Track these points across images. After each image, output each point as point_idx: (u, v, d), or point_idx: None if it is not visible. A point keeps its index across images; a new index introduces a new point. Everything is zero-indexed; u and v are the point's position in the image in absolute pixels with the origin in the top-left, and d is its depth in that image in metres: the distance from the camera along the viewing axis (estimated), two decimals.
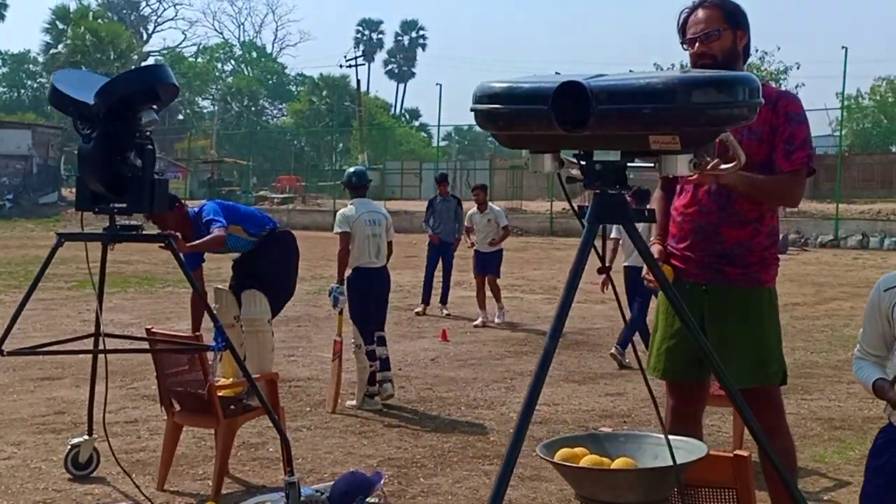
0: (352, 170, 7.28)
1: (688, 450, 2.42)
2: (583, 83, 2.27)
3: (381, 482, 4.48)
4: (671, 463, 2.32)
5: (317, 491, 4.37)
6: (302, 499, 4.26)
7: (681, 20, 3.32)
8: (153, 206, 4.29)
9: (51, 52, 54.15)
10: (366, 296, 6.61)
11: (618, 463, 2.36)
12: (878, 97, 47.03)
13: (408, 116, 70.71)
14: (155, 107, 4.24)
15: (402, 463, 5.14)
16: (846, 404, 6.74)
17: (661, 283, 2.50)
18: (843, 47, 26.26)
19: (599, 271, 2.44)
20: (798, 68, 44.27)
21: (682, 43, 3.33)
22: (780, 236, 3.72)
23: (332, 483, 4.42)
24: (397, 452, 5.36)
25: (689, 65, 3.39)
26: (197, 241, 5.43)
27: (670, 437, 2.39)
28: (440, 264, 11.80)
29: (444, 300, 11.65)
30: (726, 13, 3.25)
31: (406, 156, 49.96)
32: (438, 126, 40.12)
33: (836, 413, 6.47)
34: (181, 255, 4.39)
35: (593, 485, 2.35)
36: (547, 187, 33.50)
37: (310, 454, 5.28)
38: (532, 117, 2.35)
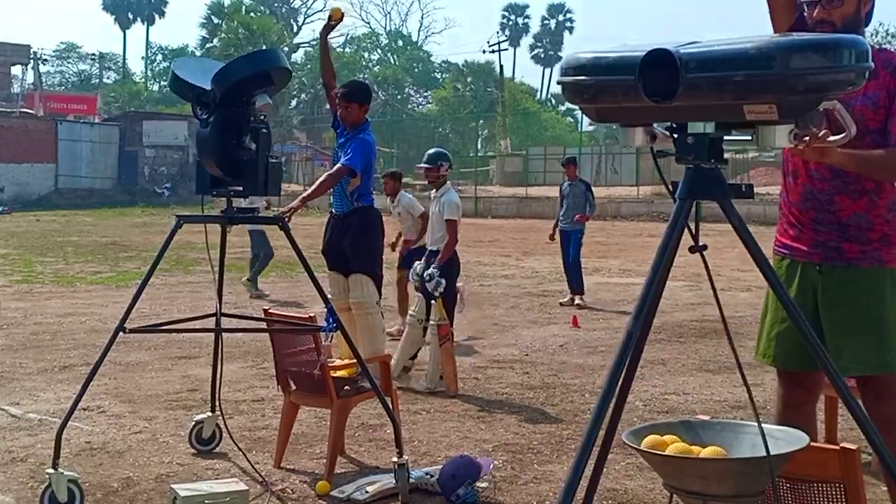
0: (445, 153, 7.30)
1: (787, 440, 2.27)
2: (671, 50, 2.14)
3: (491, 466, 4.44)
4: (774, 453, 2.18)
5: (427, 474, 4.37)
6: (411, 481, 4.27)
7: None
8: (267, 188, 4.36)
9: (206, 46, 56.56)
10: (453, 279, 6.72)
11: (707, 452, 2.24)
12: None
13: (553, 101, 70.19)
14: (268, 91, 4.31)
15: (517, 448, 5.07)
16: None
17: (759, 264, 2.33)
18: None
19: (692, 250, 2.29)
20: None
21: (803, 2, 3.11)
22: None
23: (442, 466, 4.42)
24: (514, 438, 5.29)
25: None
26: (312, 188, 5.50)
27: (773, 426, 2.25)
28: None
29: (575, 288, 11.15)
30: None
31: (552, 141, 49.59)
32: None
33: None
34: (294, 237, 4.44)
35: (680, 474, 2.24)
36: None
37: (426, 437, 5.28)
38: (619, 89, 2.24)
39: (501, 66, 48.28)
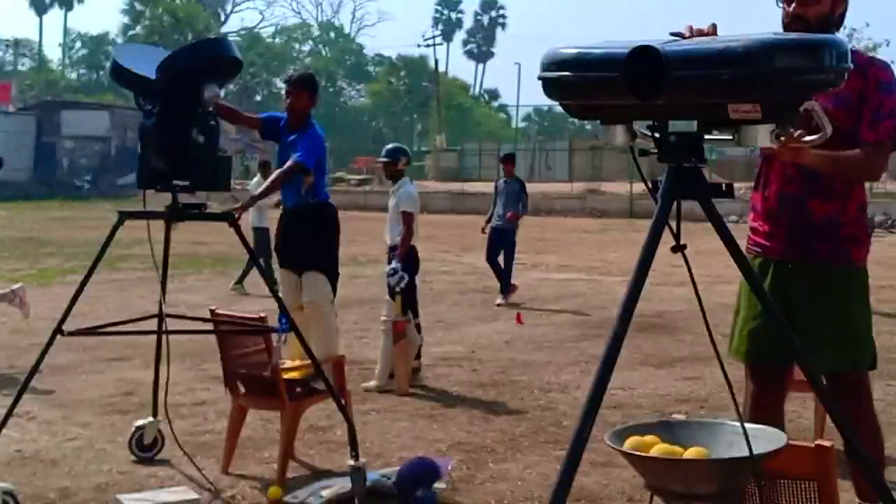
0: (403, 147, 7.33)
1: (766, 439, 2.26)
2: (657, 47, 2.10)
3: (449, 467, 4.39)
4: (747, 453, 2.16)
5: (383, 476, 4.30)
6: (368, 484, 4.19)
7: None
8: (216, 183, 4.23)
9: (129, 33, 55.29)
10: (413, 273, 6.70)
11: (690, 452, 2.21)
12: None
13: (487, 97, 70.44)
14: (217, 81, 4.17)
15: (471, 448, 5.03)
16: None
17: (738, 262, 2.32)
18: None
19: (674, 250, 2.26)
20: (888, 45, 42.96)
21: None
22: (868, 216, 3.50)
23: (398, 468, 4.35)
24: (467, 437, 5.25)
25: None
26: (263, 186, 5.33)
27: (748, 425, 2.23)
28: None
29: (506, 288, 10.87)
30: None
31: (485, 137, 49.79)
32: (517, 106, 40.00)
33: None
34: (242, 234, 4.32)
35: (664, 475, 2.21)
36: (627, 168, 33.01)
37: (378, 438, 5.20)
38: (603, 85, 2.19)
39: (436, 61, 48.41)
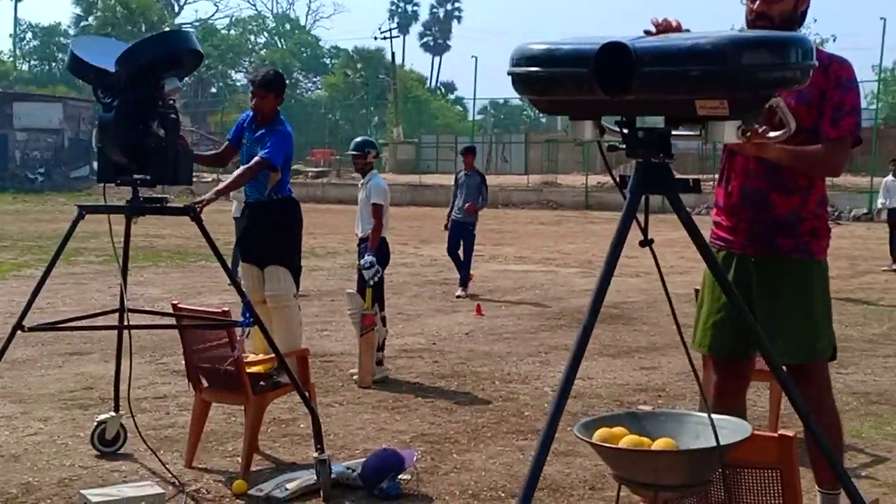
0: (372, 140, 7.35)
1: (731, 429, 2.30)
2: (626, 44, 2.13)
3: (414, 458, 4.40)
4: (714, 443, 2.21)
5: (348, 468, 4.31)
6: (333, 476, 4.19)
7: None
8: (177, 177, 4.19)
9: (81, 24, 54.38)
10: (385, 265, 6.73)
11: (658, 444, 2.25)
12: (856, 78, 46.34)
13: (443, 90, 70.36)
14: (178, 74, 4.13)
15: (434, 439, 5.05)
16: (882, 378, 6.59)
17: (704, 256, 2.36)
18: (881, 18, 25.74)
19: (641, 244, 2.30)
20: (834, 41, 43.74)
21: None
22: None
23: (363, 460, 4.36)
24: (430, 428, 5.27)
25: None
26: (228, 181, 5.30)
27: (717, 416, 2.28)
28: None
29: (464, 280, 10.86)
30: None
31: (441, 130, 49.75)
32: (474, 99, 40.00)
33: (872, 387, 6.32)
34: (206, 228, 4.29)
35: (633, 466, 2.25)
36: (582, 161, 33.22)
37: (341, 430, 5.20)
38: (572, 81, 2.22)
39: (393, 54, 48.21)
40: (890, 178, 14.00)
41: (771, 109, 2.37)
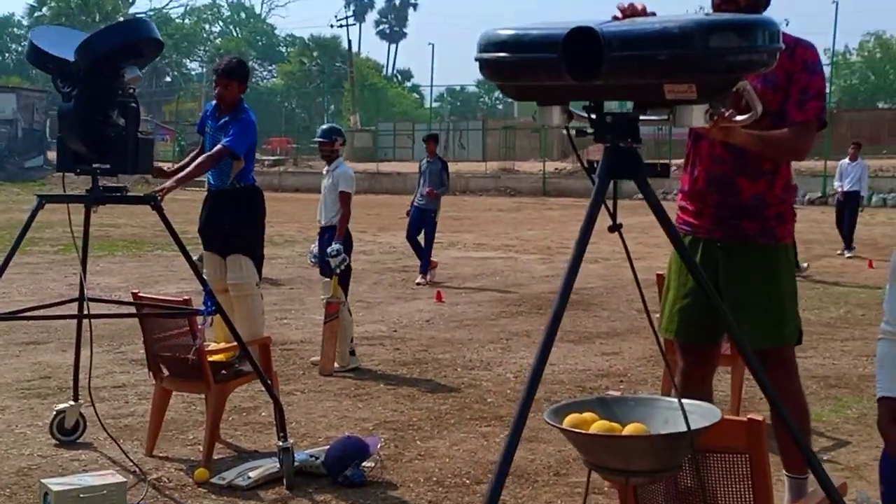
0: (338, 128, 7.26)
1: (701, 414, 2.31)
2: (595, 28, 2.12)
3: (378, 445, 4.39)
4: (684, 428, 2.22)
5: (311, 456, 4.29)
6: (296, 464, 4.17)
7: None
8: (137, 166, 4.14)
9: (35, 14, 53.43)
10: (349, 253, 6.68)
11: (629, 429, 2.25)
12: (866, 53, 46.81)
13: (400, 77, 70.12)
14: (138, 63, 4.08)
15: (398, 426, 5.04)
16: (840, 362, 6.68)
17: (673, 241, 2.37)
18: (833, 2, 26.06)
19: (611, 230, 2.30)
20: (787, 24, 44.24)
21: None
22: None
23: (326, 448, 4.34)
24: (393, 415, 5.26)
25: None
26: (189, 169, 5.21)
27: (686, 401, 2.28)
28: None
29: (425, 266, 10.85)
30: None
31: (398, 117, 49.60)
32: (431, 87, 39.87)
33: (830, 371, 6.40)
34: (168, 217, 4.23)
35: (604, 452, 2.24)
36: (539, 147, 33.32)
37: (303, 418, 5.18)
38: (540, 67, 2.20)
39: (350, 41, 47.90)
40: (846, 161, 14.14)
41: (737, 94, 2.38)
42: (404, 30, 74.68)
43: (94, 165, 4.14)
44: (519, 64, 2.24)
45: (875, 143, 32.75)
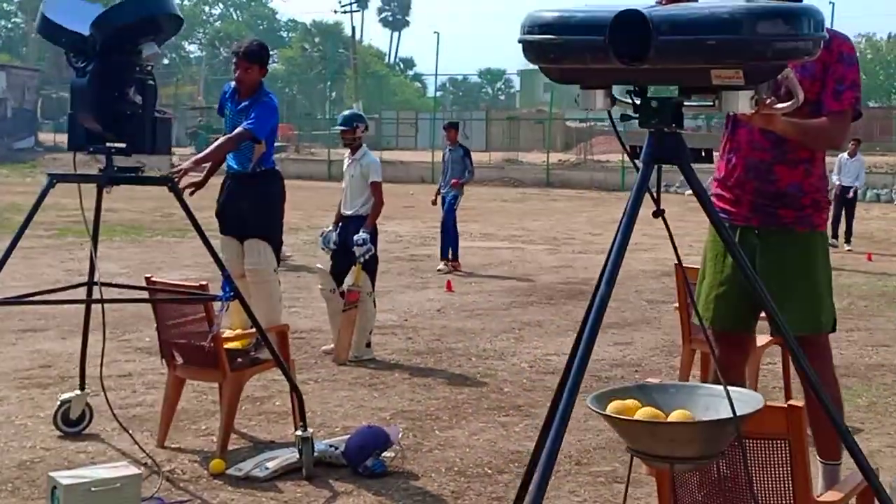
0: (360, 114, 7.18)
1: (744, 401, 2.29)
2: (643, 12, 2.09)
3: (399, 435, 4.35)
4: (726, 414, 2.19)
5: (331, 446, 4.24)
6: (315, 454, 4.13)
7: None
8: (155, 146, 4.07)
9: None
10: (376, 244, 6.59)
11: (675, 416, 2.23)
12: (857, 54, 47.97)
13: (402, 66, 69.95)
14: (156, 39, 4.01)
15: (416, 416, 5.00)
16: (847, 352, 6.65)
17: (717, 228, 2.33)
18: (830, 2, 25.99)
19: (655, 215, 2.26)
20: None
21: None
22: None
23: (345, 437, 4.30)
24: (410, 405, 5.22)
25: None
26: (209, 150, 5.17)
27: (729, 388, 2.25)
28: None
29: (448, 254, 10.94)
30: None
31: (400, 106, 49.48)
32: (436, 75, 39.56)
33: (839, 361, 6.30)
34: (185, 198, 4.18)
35: (649, 438, 2.22)
36: (543, 138, 33.24)
37: (319, 408, 5.13)
38: (587, 49, 2.18)
39: (353, 28, 47.68)
40: (845, 156, 14.15)
41: (776, 81, 2.36)
42: (407, 18, 74.50)
43: (109, 144, 4.03)
44: (565, 46, 2.21)
45: (868, 140, 32.96)
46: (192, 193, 5.07)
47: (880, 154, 28.62)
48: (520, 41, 2.27)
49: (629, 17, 2.10)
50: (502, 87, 71.76)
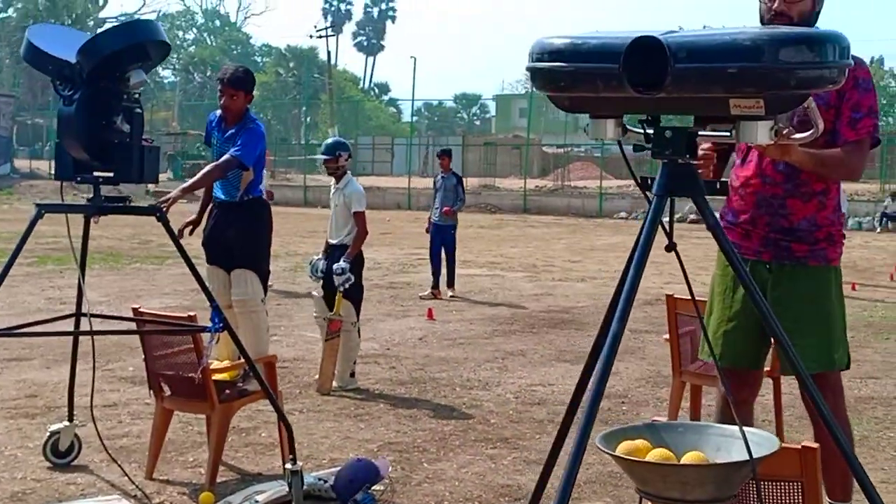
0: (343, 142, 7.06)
1: (758, 442, 2.22)
2: (660, 38, 2.03)
3: (389, 469, 4.26)
4: (738, 455, 2.13)
5: (320, 479, 4.15)
6: (305, 487, 4.03)
7: None
8: (143, 175, 3.99)
9: (0, 17, 52.67)
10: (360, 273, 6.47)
11: (689, 457, 2.16)
12: (872, 78, 48.27)
13: (377, 90, 70.10)
14: (144, 66, 3.94)
15: (403, 447, 4.91)
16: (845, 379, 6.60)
17: (732, 262, 2.27)
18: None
19: (667, 249, 2.21)
20: None
21: None
22: None
23: (335, 470, 4.21)
24: (397, 436, 5.12)
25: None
26: (196, 178, 5.11)
27: (737, 428, 2.19)
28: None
29: (450, 283, 11.02)
30: None
31: (375, 131, 49.47)
32: (413, 100, 39.55)
33: None
34: (173, 228, 4.10)
35: (661, 481, 2.15)
36: (520, 165, 33.33)
37: (305, 439, 5.02)
38: (599, 77, 2.11)
39: (329, 52, 47.66)
40: None
41: (794, 111, 2.30)
42: (382, 42, 74.76)
43: (96, 174, 3.97)
44: (576, 73, 2.15)
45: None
46: (191, 233, 5.00)
47: (862, 182, 28.78)
48: (528, 69, 2.22)
49: (645, 44, 2.04)
50: (478, 112, 72.07)
